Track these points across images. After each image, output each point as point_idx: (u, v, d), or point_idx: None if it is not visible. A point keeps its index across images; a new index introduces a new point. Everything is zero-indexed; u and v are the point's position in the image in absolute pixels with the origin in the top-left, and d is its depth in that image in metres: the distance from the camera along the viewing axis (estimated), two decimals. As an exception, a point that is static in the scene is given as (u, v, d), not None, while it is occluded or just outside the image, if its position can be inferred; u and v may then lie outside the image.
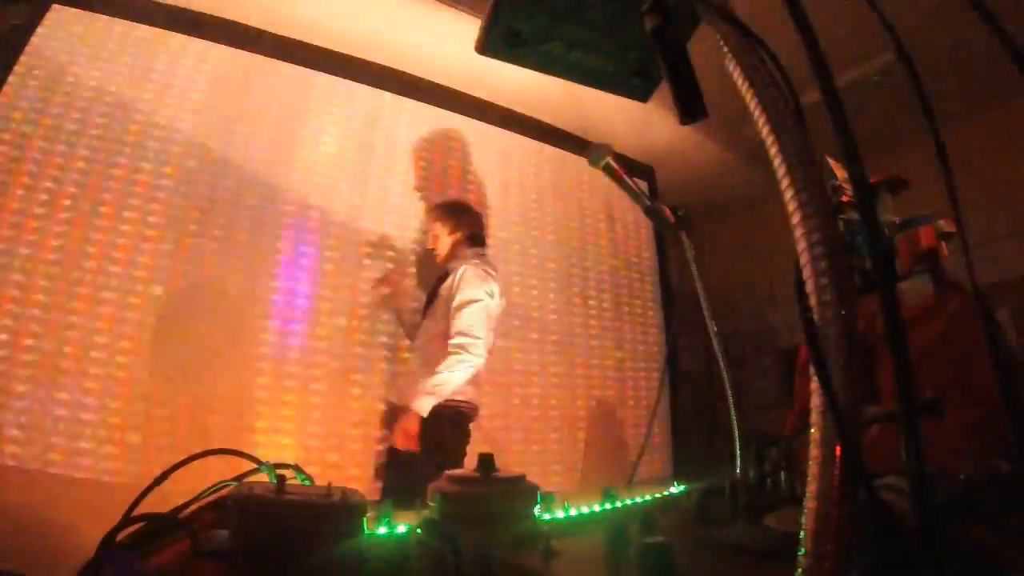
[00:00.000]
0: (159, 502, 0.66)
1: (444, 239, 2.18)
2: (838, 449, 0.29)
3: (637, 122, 2.91)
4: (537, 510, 0.74)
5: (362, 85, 2.54)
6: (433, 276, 2.25)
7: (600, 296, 3.06)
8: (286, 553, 0.53)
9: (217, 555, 0.55)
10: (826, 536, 0.29)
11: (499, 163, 2.89)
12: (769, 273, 3.72)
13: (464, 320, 1.98)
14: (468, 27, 2.29)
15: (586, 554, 0.52)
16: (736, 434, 0.97)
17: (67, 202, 1.90)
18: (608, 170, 1.09)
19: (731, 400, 1.02)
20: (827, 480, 0.29)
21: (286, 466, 0.76)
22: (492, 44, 0.56)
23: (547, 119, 3.02)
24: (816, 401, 0.30)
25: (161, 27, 2.17)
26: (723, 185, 3.60)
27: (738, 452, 0.96)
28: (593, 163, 1.11)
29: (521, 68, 0.65)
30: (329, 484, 0.61)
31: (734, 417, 0.99)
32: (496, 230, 2.74)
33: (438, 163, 2.68)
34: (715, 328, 1.07)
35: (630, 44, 0.58)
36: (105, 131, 2.01)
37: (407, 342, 2.31)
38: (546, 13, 0.55)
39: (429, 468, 1.56)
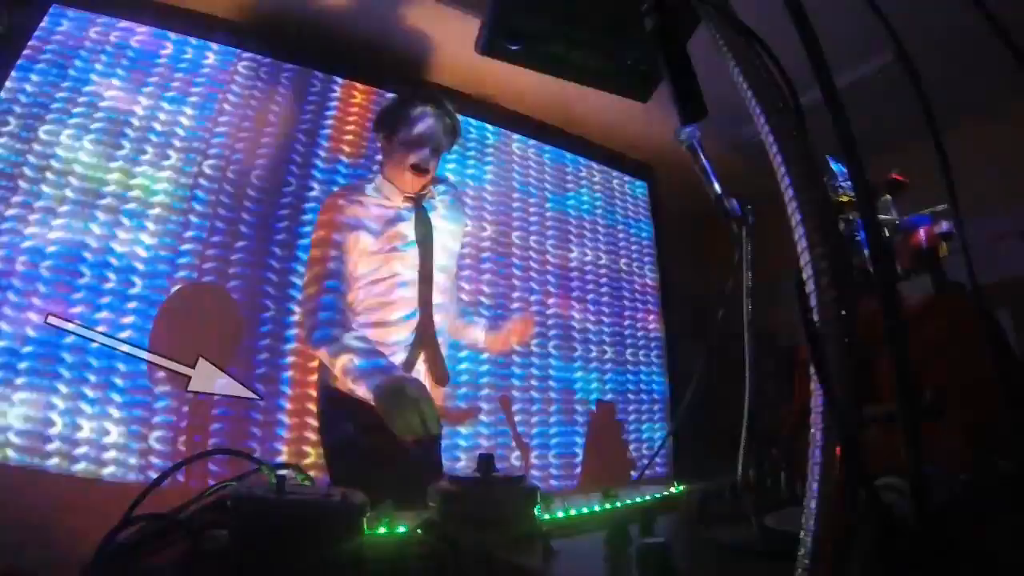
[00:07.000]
0: (159, 502, 0.66)
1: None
2: (838, 449, 0.29)
3: (637, 122, 2.91)
4: (537, 510, 0.74)
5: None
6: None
7: (600, 296, 3.06)
8: (286, 553, 0.53)
9: (217, 555, 0.55)
10: (826, 536, 0.29)
11: (498, 162, 2.89)
12: (769, 273, 3.72)
13: None
14: (469, 26, 2.28)
15: (586, 554, 0.52)
16: (743, 434, 0.98)
17: (68, 201, 1.90)
18: (691, 149, 1.11)
19: (747, 404, 1.02)
20: (827, 480, 0.29)
21: (286, 466, 0.75)
22: (492, 44, 0.56)
23: (547, 119, 3.02)
24: (816, 401, 0.30)
25: (163, 28, 2.17)
26: (723, 185, 3.59)
27: (741, 452, 0.97)
28: (680, 140, 1.13)
29: (521, 67, 0.65)
30: (329, 484, 0.61)
31: (746, 419, 0.99)
32: (497, 230, 2.75)
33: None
34: (751, 329, 1.08)
35: (630, 44, 0.58)
36: (105, 131, 2.01)
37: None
38: (546, 13, 0.55)
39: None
